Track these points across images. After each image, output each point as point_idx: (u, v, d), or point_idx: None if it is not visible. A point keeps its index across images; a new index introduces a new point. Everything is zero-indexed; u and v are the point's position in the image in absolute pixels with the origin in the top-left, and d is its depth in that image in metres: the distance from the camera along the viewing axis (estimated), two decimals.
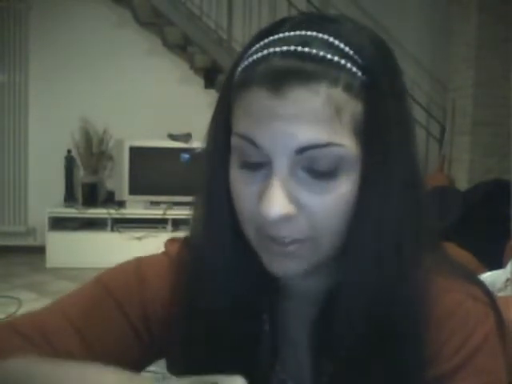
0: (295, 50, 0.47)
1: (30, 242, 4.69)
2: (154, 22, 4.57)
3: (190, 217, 0.60)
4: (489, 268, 1.91)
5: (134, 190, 4.34)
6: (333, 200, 0.48)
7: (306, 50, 0.47)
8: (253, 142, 0.48)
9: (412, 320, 0.50)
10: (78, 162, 4.60)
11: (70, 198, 4.53)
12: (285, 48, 0.48)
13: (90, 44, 4.66)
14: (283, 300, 0.59)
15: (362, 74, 0.48)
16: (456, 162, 4.45)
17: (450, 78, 4.58)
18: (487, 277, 1.65)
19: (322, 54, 0.47)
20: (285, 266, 0.51)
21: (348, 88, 0.47)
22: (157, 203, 4.35)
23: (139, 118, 4.66)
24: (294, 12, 4.50)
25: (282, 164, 0.47)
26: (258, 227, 0.50)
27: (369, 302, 0.50)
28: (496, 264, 2.03)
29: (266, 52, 0.49)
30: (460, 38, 4.38)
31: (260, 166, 0.49)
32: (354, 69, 0.47)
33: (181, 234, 0.65)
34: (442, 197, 3.41)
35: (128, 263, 0.62)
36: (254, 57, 0.50)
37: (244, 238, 0.53)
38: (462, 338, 0.51)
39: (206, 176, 0.57)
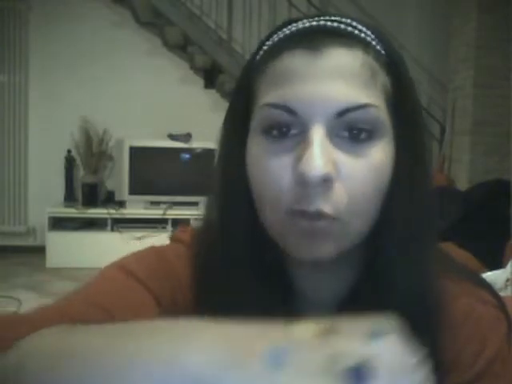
0: (328, 18, 0.49)
1: (30, 242, 4.69)
2: (154, 22, 4.57)
3: (198, 210, 0.58)
4: (489, 268, 1.91)
5: (133, 190, 4.34)
6: (369, 165, 0.46)
7: (338, 18, 0.49)
8: (287, 109, 0.45)
9: (429, 320, 0.49)
10: (78, 161, 4.61)
11: (69, 198, 4.52)
12: (316, 18, 0.49)
13: (90, 44, 4.66)
14: (296, 307, 0.55)
15: (385, 54, 0.49)
16: (456, 162, 4.44)
17: (450, 77, 4.58)
18: (487, 277, 1.65)
19: (354, 23, 0.49)
20: (314, 248, 0.46)
21: (377, 59, 0.48)
22: (157, 203, 4.35)
23: (139, 118, 4.66)
24: (294, 12, 4.50)
25: (319, 126, 0.45)
26: (287, 204, 0.46)
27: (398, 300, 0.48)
28: (496, 264, 2.03)
29: (294, 24, 0.49)
30: (460, 38, 4.38)
31: (293, 134, 0.46)
32: (378, 47, 0.49)
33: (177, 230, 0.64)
34: (441, 197, 3.41)
35: (144, 250, 0.59)
36: (280, 33, 0.49)
37: (261, 234, 0.50)
38: (477, 345, 0.50)
39: (221, 166, 0.54)
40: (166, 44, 4.71)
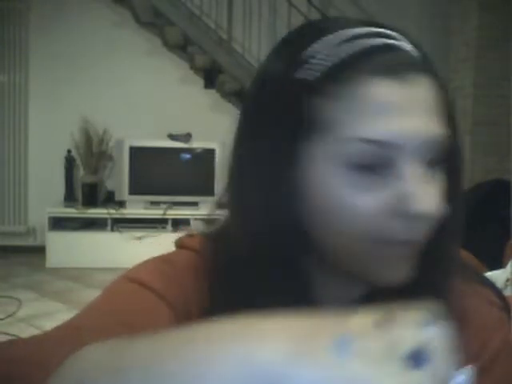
0: (399, 43, 0.46)
1: (30, 242, 4.69)
2: (153, 22, 4.57)
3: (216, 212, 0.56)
4: (489, 268, 1.90)
5: (133, 190, 4.34)
6: (440, 192, 0.47)
7: (408, 44, 0.46)
8: (383, 144, 0.43)
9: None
10: (78, 161, 4.61)
11: (69, 197, 4.52)
12: (386, 40, 0.46)
13: (90, 44, 4.66)
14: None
15: (434, 74, 0.48)
16: None
17: (450, 77, 4.58)
18: (487, 277, 1.65)
19: (422, 51, 0.47)
20: (397, 272, 0.47)
21: (436, 82, 0.47)
22: (157, 203, 4.35)
23: (139, 118, 4.66)
24: (294, 12, 4.50)
25: (416, 160, 0.44)
26: (376, 234, 0.46)
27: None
28: (496, 264, 2.03)
29: (360, 43, 0.45)
30: (460, 38, 4.38)
31: (383, 167, 0.45)
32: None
33: (182, 233, 0.61)
34: None
35: (152, 259, 0.57)
36: (343, 52, 0.45)
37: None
38: (478, 345, 0.51)
39: (259, 181, 0.49)
40: (166, 44, 4.71)
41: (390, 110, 0.43)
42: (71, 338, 0.41)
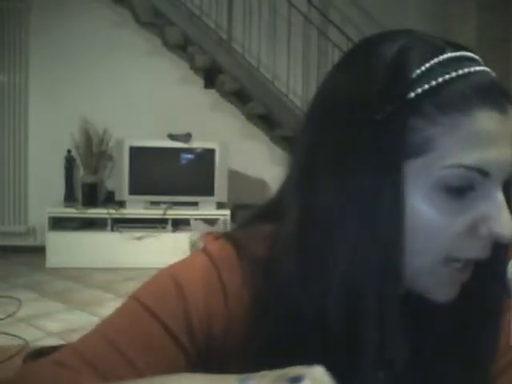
0: (488, 70, 0.51)
1: (30, 242, 4.69)
2: (153, 22, 4.57)
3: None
4: None
5: (133, 190, 4.34)
6: None
7: (489, 70, 0.51)
8: (482, 171, 0.47)
9: (493, 308, 0.55)
10: (78, 161, 4.61)
11: (70, 197, 4.53)
12: (481, 68, 0.50)
13: (90, 44, 4.66)
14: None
15: None
16: None
17: None
18: None
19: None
20: (453, 291, 0.51)
21: None
22: (157, 203, 4.35)
23: (139, 118, 4.66)
24: (294, 12, 4.51)
25: (500, 186, 0.49)
26: (447, 253, 0.49)
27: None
28: None
29: (460, 72, 0.48)
30: (460, 38, 4.37)
31: (473, 192, 0.48)
32: None
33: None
34: None
35: (163, 274, 0.56)
36: (445, 77, 0.47)
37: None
38: (507, 337, 0.55)
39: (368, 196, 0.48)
40: (166, 44, 4.71)
41: (492, 139, 0.47)
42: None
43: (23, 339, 2.63)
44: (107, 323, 0.54)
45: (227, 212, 4.33)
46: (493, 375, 0.55)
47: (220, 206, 4.44)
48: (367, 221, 0.47)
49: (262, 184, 4.74)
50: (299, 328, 0.50)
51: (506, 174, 0.48)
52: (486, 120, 0.46)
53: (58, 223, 4.29)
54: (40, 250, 4.30)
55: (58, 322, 2.95)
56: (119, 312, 0.55)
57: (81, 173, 4.61)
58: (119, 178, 4.37)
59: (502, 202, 0.48)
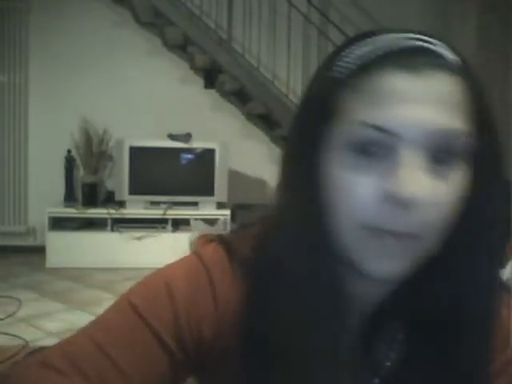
0: (418, 37, 0.48)
1: (30, 242, 4.69)
2: (153, 22, 4.57)
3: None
4: None
5: (133, 190, 4.34)
6: (450, 189, 0.47)
7: (428, 38, 0.48)
8: (385, 130, 0.45)
9: (484, 313, 0.53)
10: (78, 161, 4.61)
11: (69, 197, 4.52)
12: (410, 34, 0.48)
13: (89, 44, 4.66)
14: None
15: (473, 82, 0.49)
16: None
17: None
18: None
19: (448, 45, 0.49)
20: (386, 265, 0.48)
21: (469, 86, 0.48)
22: (157, 203, 4.35)
23: (139, 118, 4.66)
24: (294, 12, 4.50)
25: (415, 149, 0.46)
26: (365, 220, 0.47)
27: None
28: None
29: (386, 38, 0.48)
30: (460, 38, 4.38)
31: (381, 153, 0.47)
32: (470, 73, 0.49)
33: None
34: None
35: (155, 276, 0.56)
36: (370, 46, 0.48)
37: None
38: (502, 340, 0.55)
39: (292, 175, 0.53)
40: (166, 44, 4.71)
41: (399, 98, 0.45)
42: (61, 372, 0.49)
43: (23, 339, 2.63)
44: (96, 323, 0.54)
45: (227, 212, 4.33)
46: (492, 376, 0.54)
47: (220, 205, 4.44)
48: (293, 191, 0.52)
49: (261, 184, 4.74)
50: (291, 327, 0.50)
51: (424, 137, 0.45)
52: (393, 80, 0.46)
53: (58, 223, 4.28)
54: (40, 250, 4.30)
55: (58, 322, 2.95)
56: (110, 311, 0.55)
57: (81, 173, 4.61)
58: (119, 178, 4.37)
59: (406, 162, 0.45)
